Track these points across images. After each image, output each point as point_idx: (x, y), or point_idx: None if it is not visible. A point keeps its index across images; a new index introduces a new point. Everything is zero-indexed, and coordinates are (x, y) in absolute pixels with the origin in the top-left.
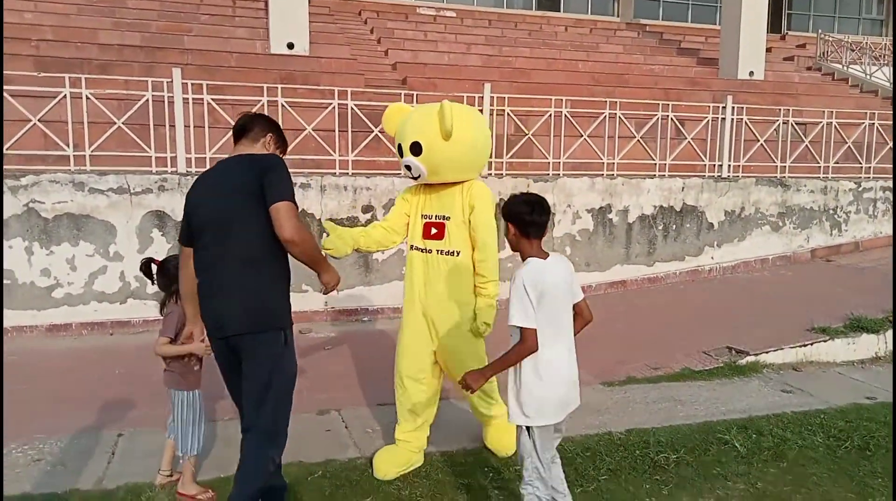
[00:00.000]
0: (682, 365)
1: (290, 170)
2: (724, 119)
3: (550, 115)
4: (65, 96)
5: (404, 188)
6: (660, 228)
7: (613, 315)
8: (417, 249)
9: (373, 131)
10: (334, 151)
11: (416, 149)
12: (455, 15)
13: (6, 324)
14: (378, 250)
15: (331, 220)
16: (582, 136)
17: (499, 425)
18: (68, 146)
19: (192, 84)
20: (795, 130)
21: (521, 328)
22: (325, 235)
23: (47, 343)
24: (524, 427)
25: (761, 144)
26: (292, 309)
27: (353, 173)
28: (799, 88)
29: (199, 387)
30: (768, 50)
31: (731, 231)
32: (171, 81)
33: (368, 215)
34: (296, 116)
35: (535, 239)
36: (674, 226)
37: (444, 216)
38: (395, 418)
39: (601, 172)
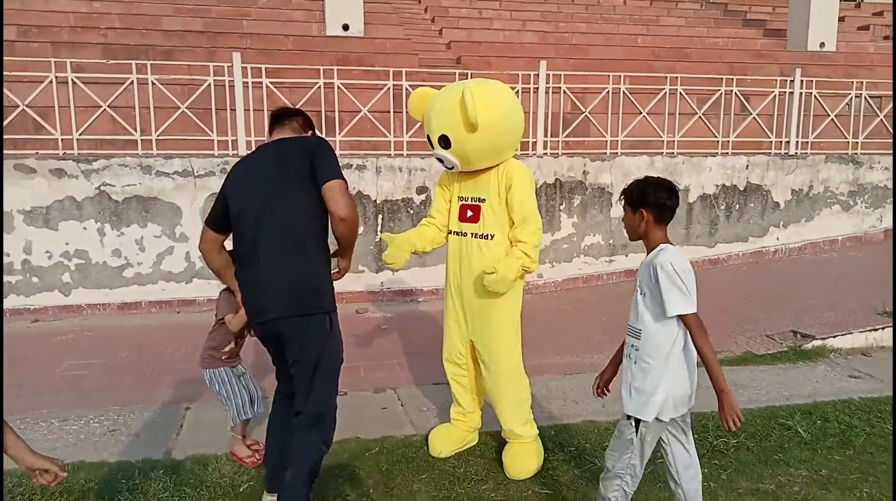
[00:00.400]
0: (744, 349)
1: (346, 152)
2: (791, 93)
3: (608, 91)
4: (132, 82)
5: (442, 173)
6: (722, 207)
7: None
8: (454, 232)
9: None
10: (389, 133)
11: (445, 142)
12: None
13: (82, 301)
14: (433, 248)
15: (387, 201)
16: (641, 113)
17: (523, 446)
18: (136, 131)
19: (252, 68)
20: (869, 103)
21: (685, 315)
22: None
23: (119, 320)
24: (633, 421)
25: (832, 120)
26: (352, 288)
27: (407, 154)
28: (874, 59)
29: (230, 365)
30: (841, 19)
31: (799, 211)
32: (232, 66)
33: (423, 196)
34: (351, 97)
35: (665, 225)
36: (737, 206)
37: (479, 198)
38: (450, 397)
39: (661, 151)
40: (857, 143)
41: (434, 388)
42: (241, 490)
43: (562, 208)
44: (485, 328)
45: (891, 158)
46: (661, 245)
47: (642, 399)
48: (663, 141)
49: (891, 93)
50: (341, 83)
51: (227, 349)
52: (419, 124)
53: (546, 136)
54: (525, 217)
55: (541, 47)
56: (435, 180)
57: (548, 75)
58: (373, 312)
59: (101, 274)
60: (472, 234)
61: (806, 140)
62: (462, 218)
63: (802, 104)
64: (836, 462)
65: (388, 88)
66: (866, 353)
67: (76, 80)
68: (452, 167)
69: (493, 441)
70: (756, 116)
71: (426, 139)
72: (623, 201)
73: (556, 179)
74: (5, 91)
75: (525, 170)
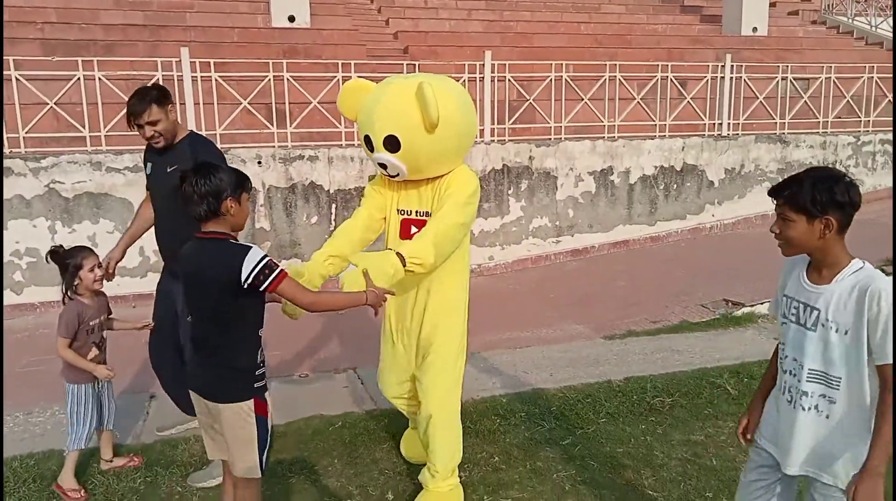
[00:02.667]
0: (681, 318)
1: (297, 143)
2: (723, 78)
3: (551, 79)
4: (79, 79)
5: (375, 176)
6: (661, 187)
7: (615, 274)
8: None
9: None
10: (340, 124)
11: (392, 144)
12: None
13: (35, 299)
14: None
15: (340, 190)
16: (583, 99)
17: (440, 496)
18: (84, 128)
19: (200, 62)
20: (794, 86)
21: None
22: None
23: None
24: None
25: (761, 102)
26: None
27: (358, 144)
28: (803, 42)
29: (93, 382)
30: (773, 4)
31: (732, 189)
32: (180, 60)
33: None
34: (301, 89)
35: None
36: (675, 185)
37: (425, 212)
38: None
39: (602, 135)
40: (785, 123)
41: None
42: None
43: (510, 192)
44: (428, 369)
45: (815, 136)
46: (858, 263)
47: (843, 465)
48: (604, 125)
49: (815, 75)
50: (290, 76)
51: (90, 356)
52: None
53: (493, 123)
54: (447, 212)
55: (486, 36)
56: None
57: (493, 65)
58: None
59: (53, 271)
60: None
61: (737, 122)
62: (404, 235)
63: (733, 88)
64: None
65: (338, 80)
66: None
67: (20, 77)
68: (396, 175)
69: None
70: (690, 100)
71: (364, 141)
72: (784, 205)
73: (504, 165)
74: None
75: (471, 177)
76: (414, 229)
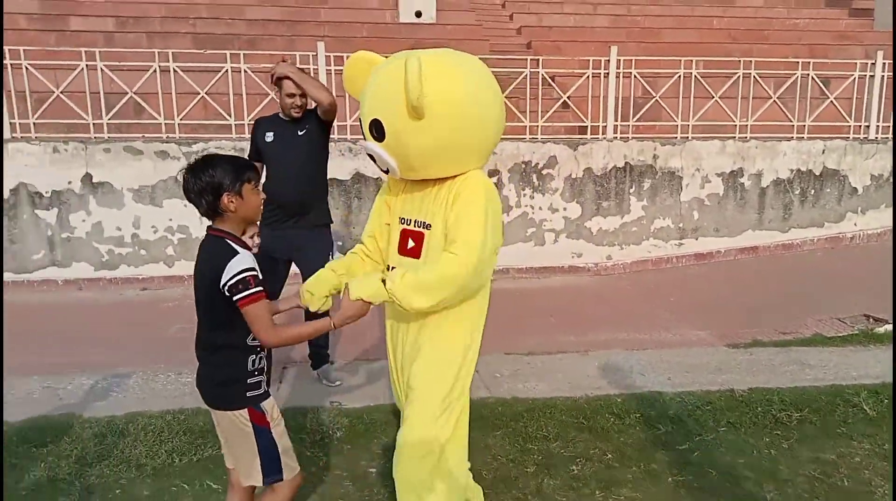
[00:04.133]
0: (814, 331)
1: None
2: (872, 77)
3: (679, 76)
4: (226, 71)
5: (387, 180)
6: (796, 192)
7: (742, 281)
8: (392, 269)
9: None
10: None
11: (377, 131)
12: None
13: (184, 272)
14: None
15: None
16: (713, 97)
17: None
18: (230, 116)
19: (334, 56)
20: None
21: None
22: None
23: None
24: None
25: None
26: None
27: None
28: None
29: None
30: None
31: (878, 197)
32: (316, 54)
33: (494, 179)
34: None
35: None
36: (812, 191)
37: (424, 223)
38: (518, 370)
39: (733, 135)
40: None
41: (505, 357)
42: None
43: (631, 191)
44: (415, 409)
45: None
46: None
47: None
48: (736, 125)
49: None
50: None
51: None
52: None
53: (616, 120)
54: (455, 240)
55: (612, 31)
56: (507, 164)
57: (618, 60)
58: None
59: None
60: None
61: (887, 125)
62: (402, 249)
63: (884, 87)
64: None
65: None
66: None
67: (177, 69)
68: (388, 170)
69: (563, 404)
70: (834, 100)
71: (366, 127)
72: None
73: (626, 163)
74: (112, 77)
75: (483, 183)
76: (412, 243)
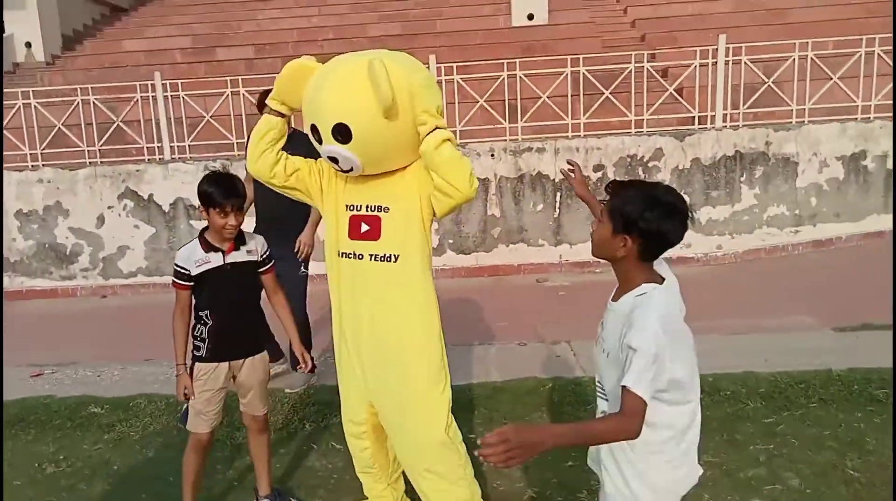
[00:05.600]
0: None
1: (528, 136)
2: None
3: (794, 59)
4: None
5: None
6: None
7: (861, 266)
8: (344, 254)
9: (604, 93)
10: (567, 116)
11: (343, 134)
12: None
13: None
14: (264, 142)
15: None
16: (831, 79)
17: None
18: None
19: (445, 66)
20: None
21: (632, 393)
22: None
23: None
24: None
25: None
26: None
27: (584, 135)
28: None
29: None
30: None
31: None
32: (427, 65)
33: (599, 173)
34: (532, 86)
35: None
36: None
37: (380, 207)
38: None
39: (855, 117)
40: None
41: None
42: None
43: (742, 179)
44: (389, 398)
45: None
46: (647, 287)
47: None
48: (858, 106)
49: None
50: (523, 74)
51: None
52: (597, 105)
53: (726, 109)
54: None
55: (734, 16)
56: (612, 159)
57: (727, 48)
58: (552, 281)
59: None
60: (371, 256)
61: None
62: (354, 234)
63: None
64: None
65: (566, 75)
66: None
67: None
68: (350, 170)
69: None
70: None
71: (310, 131)
72: (605, 203)
73: (737, 151)
74: (252, 101)
75: None
76: (366, 227)
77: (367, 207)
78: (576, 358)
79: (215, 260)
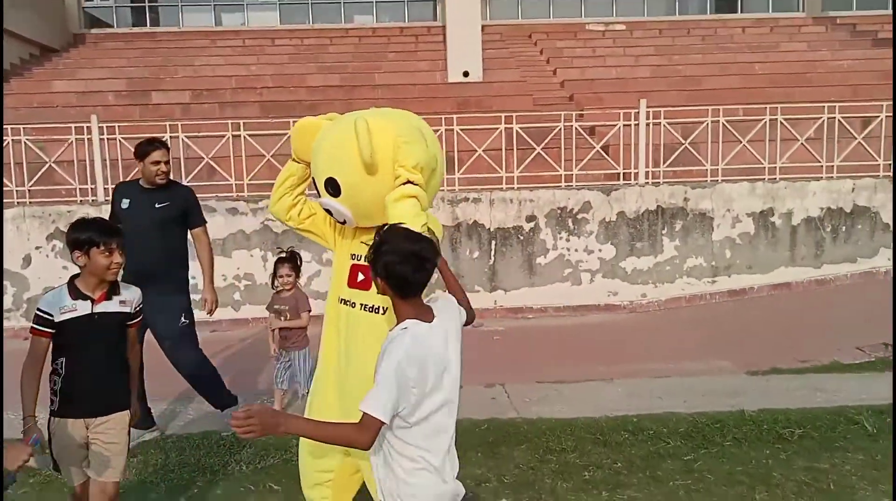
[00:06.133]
0: (832, 359)
1: (464, 187)
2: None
3: (707, 124)
4: (288, 136)
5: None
6: (828, 229)
7: (771, 315)
8: (343, 301)
9: (536, 149)
10: (501, 169)
11: (333, 187)
12: (625, 28)
13: (249, 315)
14: (287, 190)
15: (499, 229)
16: (741, 142)
17: None
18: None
19: None
20: None
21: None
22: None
23: None
24: None
25: None
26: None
27: (518, 187)
28: None
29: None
30: None
31: None
32: None
33: (532, 224)
34: (468, 140)
35: (416, 297)
36: (843, 228)
37: None
38: (546, 396)
39: (763, 177)
40: None
41: (536, 385)
42: None
43: (664, 232)
44: None
45: None
46: (407, 323)
47: None
48: (765, 167)
49: None
50: (460, 129)
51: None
52: (529, 160)
53: (647, 166)
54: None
55: (653, 81)
56: (543, 210)
57: (648, 111)
58: (487, 326)
59: (263, 293)
60: (362, 305)
61: None
62: (352, 282)
63: None
64: None
65: (501, 130)
66: None
67: (247, 136)
68: (345, 222)
69: (583, 422)
70: (862, 141)
71: (322, 185)
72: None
73: (658, 206)
74: (190, 144)
75: (435, 223)
76: (361, 277)
77: (365, 258)
78: (509, 400)
79: (82, 308)
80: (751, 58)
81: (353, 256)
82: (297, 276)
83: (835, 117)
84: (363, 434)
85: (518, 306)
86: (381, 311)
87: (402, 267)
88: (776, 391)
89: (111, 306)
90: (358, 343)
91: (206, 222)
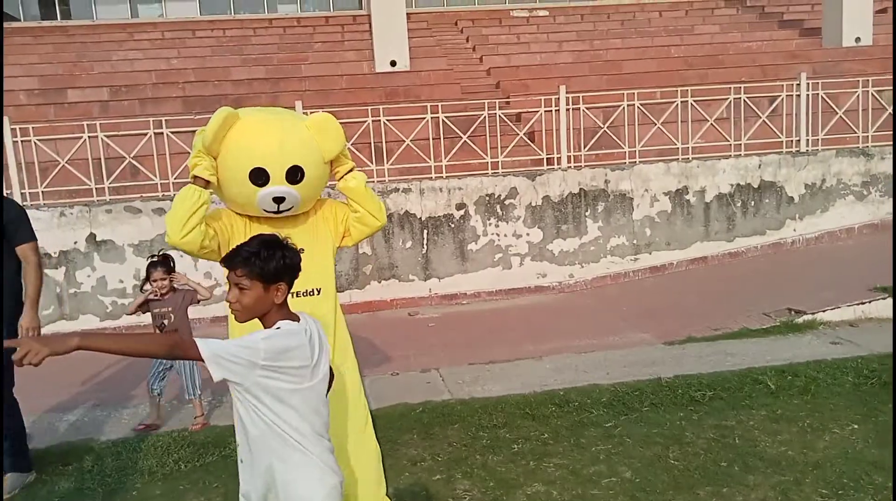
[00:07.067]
0: (741, 326)
1: (394, 177)
2: (798, 96)
3: (623, 107)
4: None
5: (220, 214)
6: (738, 205)
7: (688, 288)
8: None
9: (462, 138)
10: (429, 158)
11: (297, 176)
12: (548, 14)
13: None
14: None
15: (430, 218)
16: (655, 124)
17: None
18: None
19: (310, 111)
20: (877, 98)
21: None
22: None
23: (212, 331)
24: None
25: (841, 116)
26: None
27: (447, 176)
28: None
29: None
30: (882, 11)
31: (813, 203)
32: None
33: (461, 211)
34: (395, 130)
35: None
36: (752, 202)
37: (298, 249)
38: (479, 376)
39: (677, 157)
40: (868, 136)
41: (469, 367)
42: None
43: (587, 214)
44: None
45: None
46: (280, 323)
47: None
48: (678, 148)
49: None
50: (387, 119)
51: None
52: (456, 149)
53: (569, 151)
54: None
55: (576, 66)
56: (472, 197)
57: (567, 97)
58: (422, 314)
59: None
60: (295, 293)
61: (816, 137)
62: None
63: (810, 104)
64: (793, 405)
65: (427, 120)
66: (854, 324)
67: (169, 134)
68: (288, 209)
69: (514, 399)
70: (766, 119)
71: (248, 177)
72: (240, 275)
73: (581, 189)
74: (110, 144)
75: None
76: None
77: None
78: (444, 383)
79: None
80: (667, 41)
81: None
82: (172, 279)
83: (741, 97)
84: (186, 348)
85: (452, 292)
86: (317, 292)
87: (294, 257)
88: (690, 358)
89: None
90: None
91: (33, 239)
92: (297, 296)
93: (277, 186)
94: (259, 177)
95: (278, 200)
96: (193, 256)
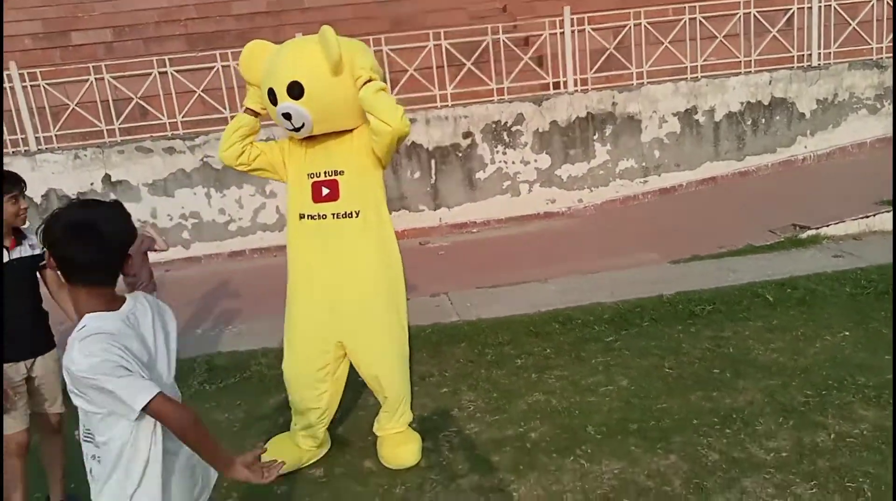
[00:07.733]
0: (746, 242)
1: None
2: (810, 8)
3: (630, 27)
4: (217, 69)
5: (280, 141)
6: (748, 123)
7: (697, 208)
8: (308, 216)
9: (466, 65)
10: (434, 87)
11: (296, 91)
12: None
13: (200, 252)
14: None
15: (438, 148)
16: (664, 43)
17: (399, 435)
18: (225, 109)
19: None
20: (893, 7)
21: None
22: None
23: (229, 266)
24: None
25: (854, 28)
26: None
27: (452, 104)
28: None
29: None
30: None
31: (825, 119)
32: None
33: (468, 140)
34: (399, 60)
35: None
36: (763, 120)
37: (336, 171)
38: (486, 299)
39: (685, 76)
40: (882, 48)
41: (476, 291)
42: None
43: (595, 138)
44: (364, 329)
45: None
46: (85, 320)
47: None
48: (686, 67)
49: None
50: (389, 49)
51: None
52: (461, 75)
53: (575, 74)
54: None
55: None
56: (479, 125)
57: (574, 18)
58: (433, 243)
59: (211, 230)
60: (333, 214)
61: (828, 51)
62: (317, 198)
63: (822, 16)
64: (789, 316)
65: (430, 48)
66: (858, 237)
67: (174, 73)
68: (301, 127)
69: (519, 319)
70: (777, 34)
71: (268, 96)
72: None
73: (588, 113)
74: (118, 85)
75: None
76: (326, 191)
77: (325, 172)
78: (452, 306)
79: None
80: None
81: (310, 175)
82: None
83: (750, 12)
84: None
85: (462, 221)
86: (354, 215)
87: (67, 244)
88: (693, 275)
89: (24, 250)
90: (338, 248)
91: None
92: (335, 218)
93: (283, 103)
94: (272, 97)
95: (287, 116)
96: (241, 171)
